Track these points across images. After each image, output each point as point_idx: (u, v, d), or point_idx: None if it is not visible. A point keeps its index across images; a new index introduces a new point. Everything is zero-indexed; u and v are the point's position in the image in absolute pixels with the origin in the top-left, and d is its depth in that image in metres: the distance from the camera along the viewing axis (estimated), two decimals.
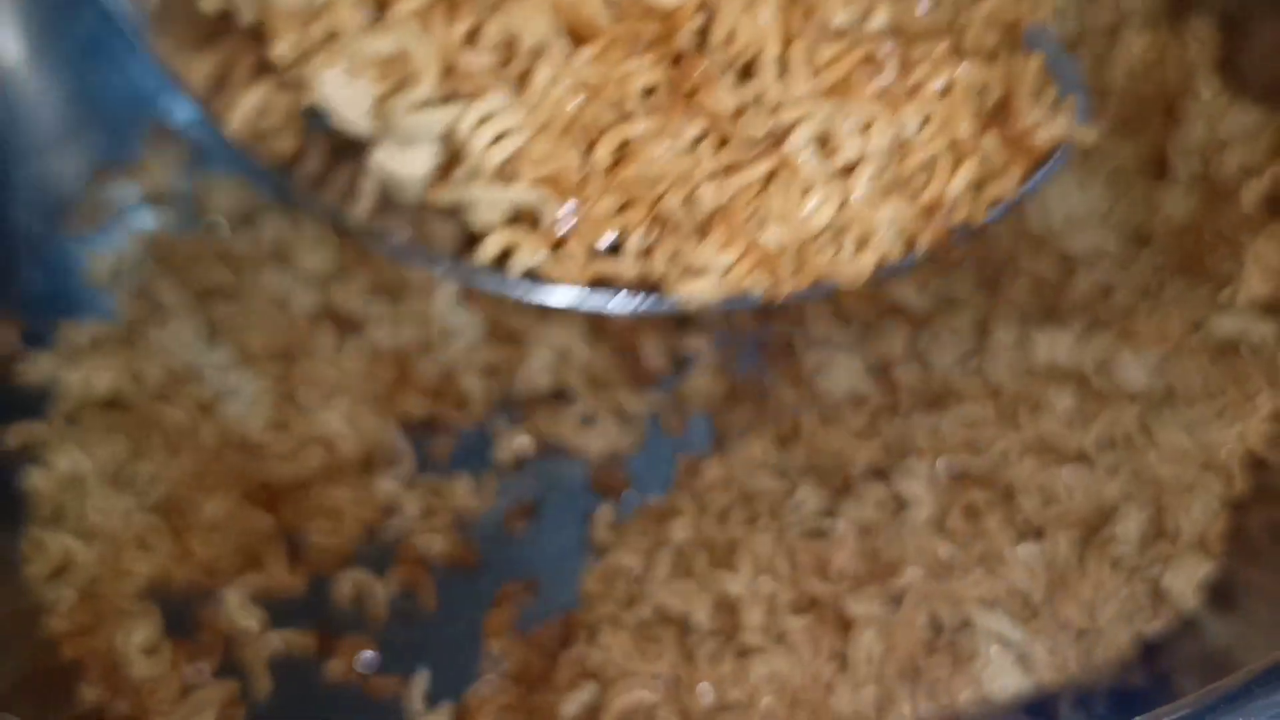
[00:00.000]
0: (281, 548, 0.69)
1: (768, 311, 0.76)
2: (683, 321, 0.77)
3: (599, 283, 0.57)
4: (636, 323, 0.76)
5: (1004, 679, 0.61)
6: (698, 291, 0.57)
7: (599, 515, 0.71)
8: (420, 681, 0.66)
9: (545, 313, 0.75)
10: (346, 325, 0.74)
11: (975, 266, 0.74)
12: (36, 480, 0.70)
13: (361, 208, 0.58)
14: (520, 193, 0.54)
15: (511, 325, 0.75)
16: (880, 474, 0.67)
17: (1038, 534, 0.64)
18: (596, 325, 0.76)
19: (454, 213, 0.56)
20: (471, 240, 0.56)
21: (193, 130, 0.85)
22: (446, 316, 0.73)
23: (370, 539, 0.71)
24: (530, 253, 0.56)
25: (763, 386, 0.74)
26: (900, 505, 0.66)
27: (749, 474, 0.70)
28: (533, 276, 0.57)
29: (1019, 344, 0.70)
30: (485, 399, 0.74)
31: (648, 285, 0.58)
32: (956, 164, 0.60)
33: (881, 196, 0.59)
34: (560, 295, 0.57)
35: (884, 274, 0.61)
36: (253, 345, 0.74)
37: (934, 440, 0.67)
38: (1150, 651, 0.63)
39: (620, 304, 0.58)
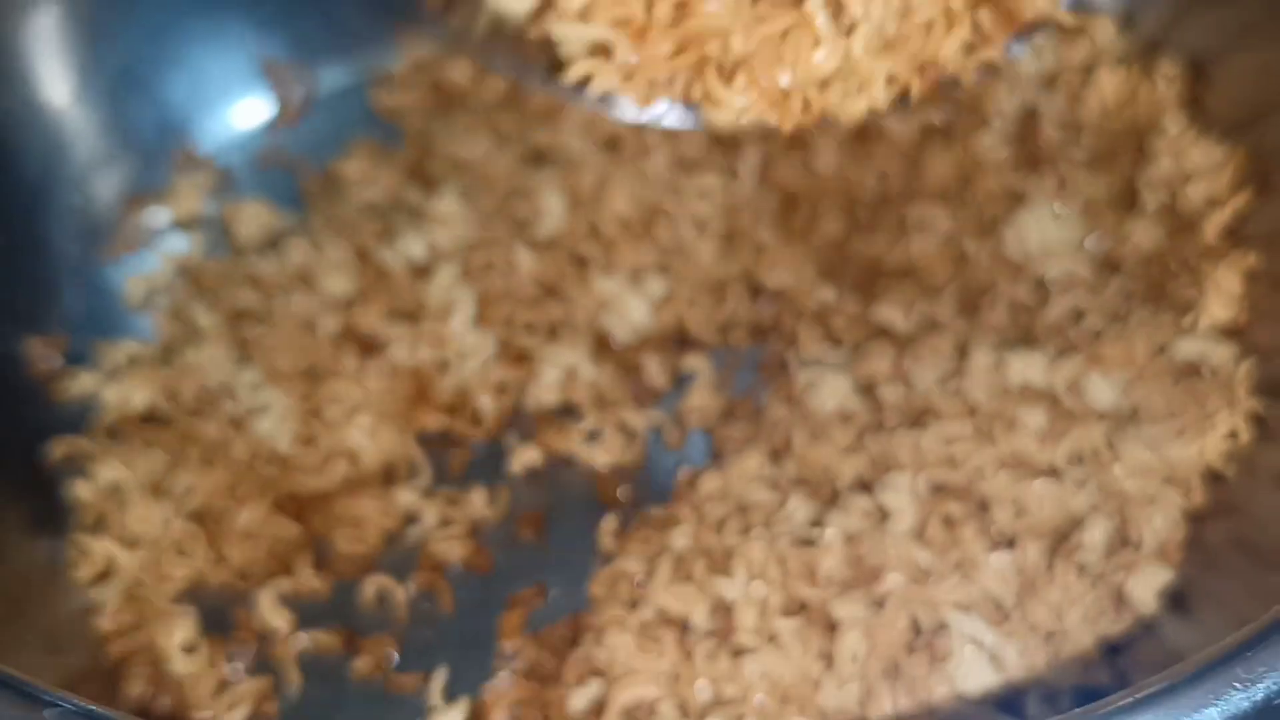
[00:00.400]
0: (309, 554, 0.72)
1: (763, 332, 0.80)
2: (682, 342, 0.80)
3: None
4: (639, 344, 0.80)
5: (977, 677, 0.64)
6: (723, 120, 0.64)
7: (604, 524, 0.73)
8: (439, 678, 0.68)
9: (553, 334, 0.80)
10: (368, 346, 0.78)
11: (958, 292, 0.77)
12: (80, 490, 0.74)
13: (476, 34, 0.68)
14: (597, 31, 0.63)
15: (522, 345, 0.78)
16: (865, 486, 0.70)
17: (1010, 543, 0.67)
18: (601, 346, 0.80)
19: (547, 43, 0.65)
20: (560, 66, 0.65)
21: (220, 157, 0.90)
22: (461, 338, 0.77)
23: (391, 546, 0.73)
24: (605, 79, 0.64)
25: (758, 404, 0.77)
26: (884, 516, 0.69)
27: (744, 486, 0.72)
28: (606, 97, 0.65)
29: (995, 366, 0.73)
30: (498, 415, 0.77)
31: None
32: (950, 28, 0.65)
33: (880, 51, 0.64)
34: (626, 111, 0.65)
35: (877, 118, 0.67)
36: (280, 365, 0.77)
37: (915, 455, 0.70)
38: (1113, 651, 0.66)
39: (668, 119, 0.66)
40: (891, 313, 0.77)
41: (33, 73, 0.83)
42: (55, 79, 0.84)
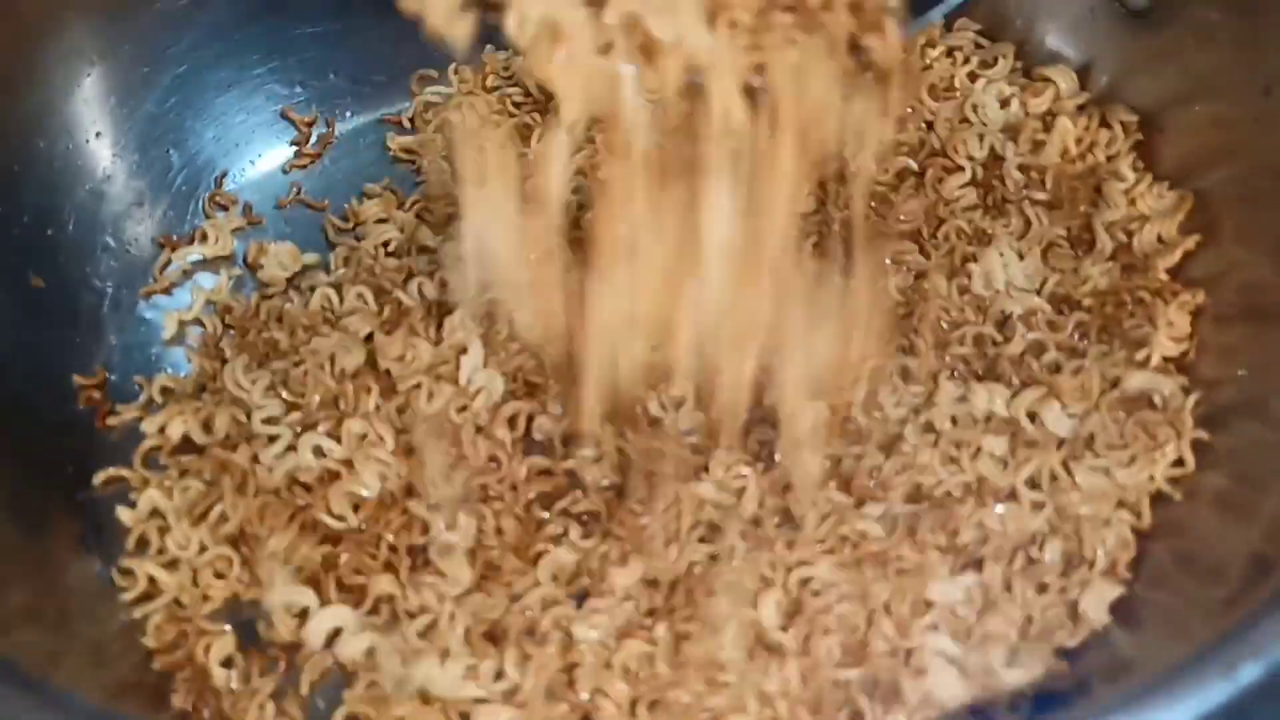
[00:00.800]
0: (334, 575, 0.78)
1: None
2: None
3: None
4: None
5: (949, 689, 0.70)
6: None
7: None
8: None
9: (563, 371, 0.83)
10: (387, 384, 0.83)
11: (931, 329, 0.82)
12: (124, 516, 0.80)
13: None
14: None
15: (531, 380, 0.84)
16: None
17: (977, 565, 0.74)
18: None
19: None
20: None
21: (244, 195, 0.96)
22: (474, 377, 0.83)
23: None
24: None
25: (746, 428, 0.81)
26: (861, 538, 0.75)
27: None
28: None
29: (963, 397, 0.79)
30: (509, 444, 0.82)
31: None
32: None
33: None
34: None
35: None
36: (306, 398, 0.83)
37: (887, 481, 0.77)
38: (1070, 657, 0.72)
39: None
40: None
41: (75, 125, 0.89)
42: (93, 130, 0.90)
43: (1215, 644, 0.59)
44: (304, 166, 0.97)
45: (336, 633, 0.75)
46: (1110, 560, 0.74)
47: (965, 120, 0.90)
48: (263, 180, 0.97)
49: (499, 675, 0.73)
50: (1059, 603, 0.73)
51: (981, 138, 0.88)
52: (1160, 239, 0.82)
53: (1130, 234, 0.82)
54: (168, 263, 0.92)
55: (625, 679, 0.72)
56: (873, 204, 0.86)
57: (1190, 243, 0.80)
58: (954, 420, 0.79)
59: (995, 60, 0.92)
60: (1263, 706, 0.57)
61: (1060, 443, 0.77)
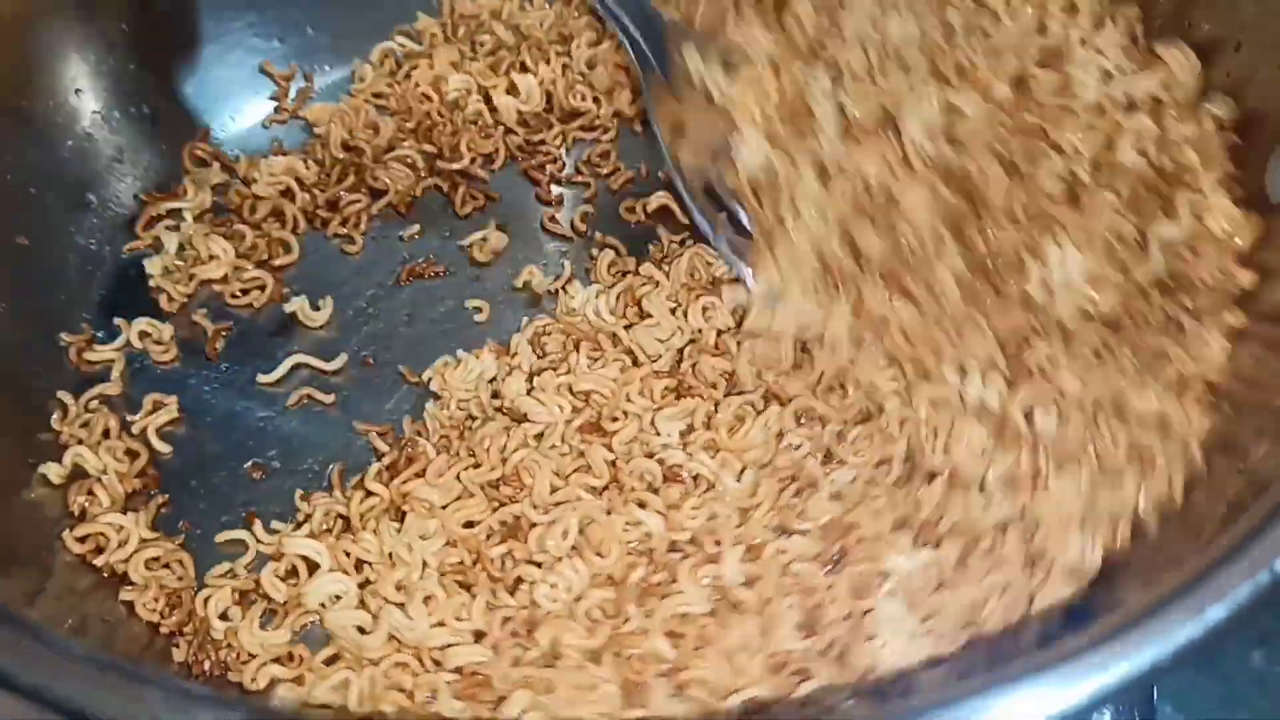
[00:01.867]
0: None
1: None
2: None
3: None
4: None
5: (901, 653, 0.70)
6: None
7: None
8: None
9: None
10: None
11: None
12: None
13: None
14: None
15: None
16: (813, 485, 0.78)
17: (937, 544, 0.73)
18: None
19: None
20: None
21: (225, 150, 0.97)
22: None
23: None
24: None
25: None
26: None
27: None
28: None
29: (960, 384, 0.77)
30: None
31: None
32: None
33: None
34: None
35: None
36: None
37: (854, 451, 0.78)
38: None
39: None
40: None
41: (55, 83, 0.90)
42: (73, 88, 0.91)
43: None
44: (284, 121, 0.99)
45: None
46: (1071, 567, 0.72)
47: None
48: (244, 135, 0.98)
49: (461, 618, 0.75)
50: (1017, 594, 0.72)
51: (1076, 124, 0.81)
52: (1215, 265, 0.76)
53: (1185, 252, 0.77)
54: (150, 220, 0.93)
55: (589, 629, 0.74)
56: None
57: (1247, 280, 0.75)
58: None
59: (1105, 22, 0.85)
60: None
61: (1045, 447, 0.75)
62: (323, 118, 0.97)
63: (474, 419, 0.83)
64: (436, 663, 0.75)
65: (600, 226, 0.93)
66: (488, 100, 0.97)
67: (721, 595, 0.75)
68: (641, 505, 0.78)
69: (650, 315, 0.86)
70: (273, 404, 0.86)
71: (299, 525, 0.80)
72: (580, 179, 0.95)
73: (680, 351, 0.84)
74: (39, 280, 0.87)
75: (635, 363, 0.84)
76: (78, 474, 0.82)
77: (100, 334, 0.88)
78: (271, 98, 0.99)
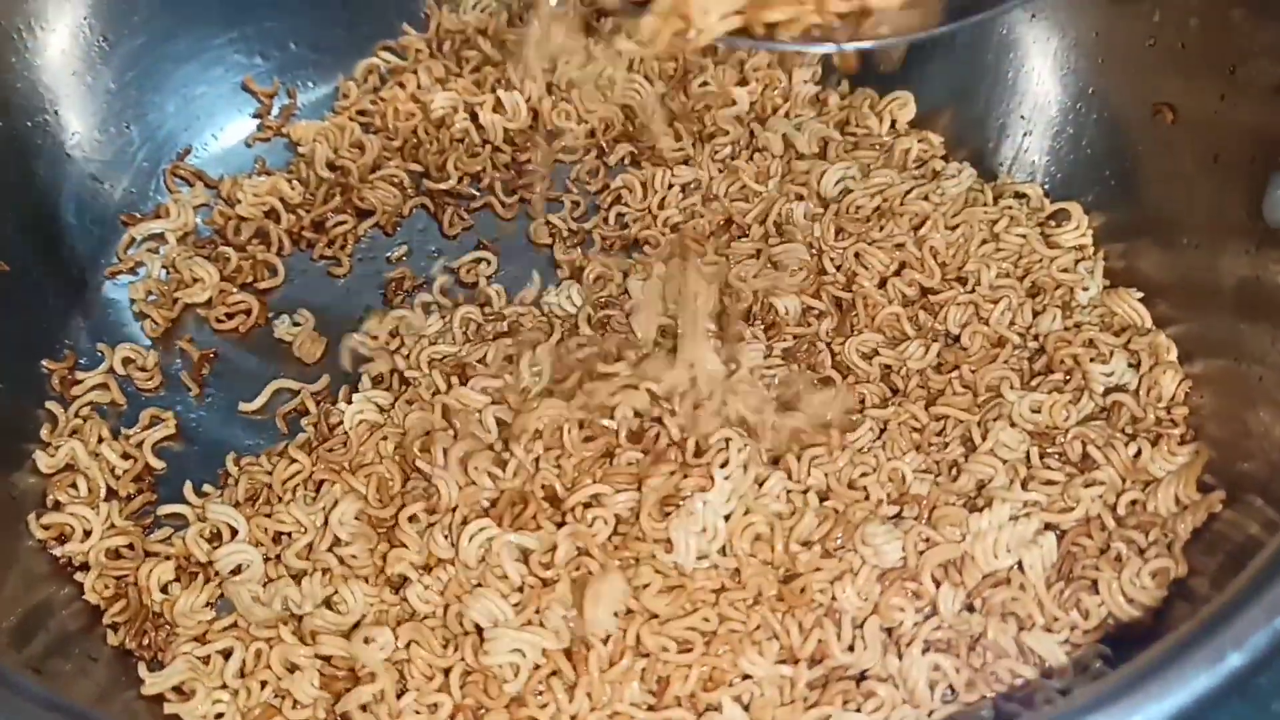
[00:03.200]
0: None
1: None
2: None
3: None
4: None
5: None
6: None
7: None
8: None
9: None
10: None
11: None
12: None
13: None
14: None
15: None
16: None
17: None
18: None
19: None
20: None
21: (208, 169, 0.95)
22: None
23: None
24: None
25: None
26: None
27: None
28: None
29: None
30: None
31: None
32: None
33: None
34: None
35: None
36: None
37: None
38: None
39: None
40: None
41: (33, 102, 0.89)
42: (51, 108, 0.90)
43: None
44: (267, 139, 0.97)
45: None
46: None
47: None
48: (226, 154, 0.97)
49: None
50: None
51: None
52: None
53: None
54: (131, 241, 0.92)
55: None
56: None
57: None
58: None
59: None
60: None
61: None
62: (307, 136, 0.96)
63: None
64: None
65: (589, 245, 0.92)
66: (474, 118, 0.95)
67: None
68: None
69: None
70: (259, 431, 0.84)
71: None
72: (569, 196, 0.94)
73: None
74: (18, 305, 0.85)
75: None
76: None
77: (83, 360, 0.87)
78: (254, 115, 0.97)
